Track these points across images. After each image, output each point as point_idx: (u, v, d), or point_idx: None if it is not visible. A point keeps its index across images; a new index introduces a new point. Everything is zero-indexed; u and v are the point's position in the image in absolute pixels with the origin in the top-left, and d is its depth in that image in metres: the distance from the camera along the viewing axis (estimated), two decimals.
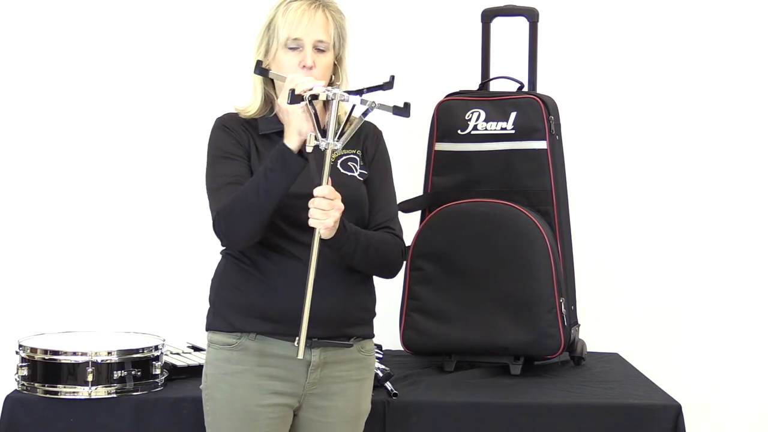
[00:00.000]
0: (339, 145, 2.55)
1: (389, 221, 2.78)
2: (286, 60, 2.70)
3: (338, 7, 2.77)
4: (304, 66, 2.69)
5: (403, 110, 2.59)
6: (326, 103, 2.61)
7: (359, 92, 2.59)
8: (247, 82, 2.82)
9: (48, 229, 4.20)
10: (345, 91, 2.58)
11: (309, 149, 2.53)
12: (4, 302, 4.17)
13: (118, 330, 3.41)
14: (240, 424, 2.71)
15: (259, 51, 2.75)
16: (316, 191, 2.54)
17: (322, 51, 2.71)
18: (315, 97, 2.56)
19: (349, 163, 2.76)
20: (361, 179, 2.77)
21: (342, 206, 2.57)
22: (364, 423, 2.84)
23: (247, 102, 2.79)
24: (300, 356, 2.55)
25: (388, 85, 2.62)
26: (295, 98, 2.55)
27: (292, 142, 2.58)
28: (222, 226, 2.64)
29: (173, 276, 4.10)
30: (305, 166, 2.58)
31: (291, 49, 2.70)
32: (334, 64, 2.76)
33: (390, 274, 2.79)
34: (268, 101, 2.79)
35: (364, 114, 2.60)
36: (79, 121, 4.20)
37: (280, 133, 2.69)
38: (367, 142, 2.81)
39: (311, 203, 2.54)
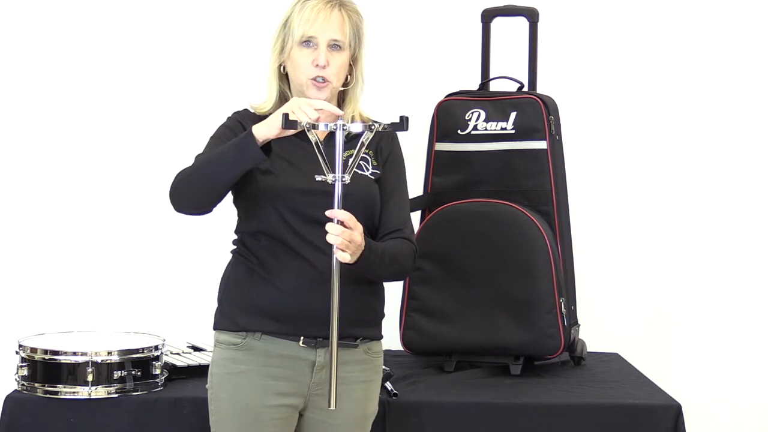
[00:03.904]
0: (347, 178, 2.51)
1: (403, 225, 2.76)
2: (300, 58, 2.69)
3: (356, 7, 2.75)
4: (317, 65, 2.68)
5: (400, 125, 2.55)
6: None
7: (369, 126, 2.55)
8: (261, 80, 2.81)
9: (48, 229, 4.20)
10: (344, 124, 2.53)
11: (318, 179, 2.51)
12: (4, 302, 4.17)
13: (118, 330, 3.41)
14: (244, 424, 2.70)
15: (275, 48, 2.75)
16: (337, 214, 2.49)
17: (337, 50, 2.70)
18: (314, 126, 2.53)
19: (360, 162, 2.73)
20: (373, 178, 2.76)
21: (361, 241, 2.54)
22: (370, 425, 2.83)
23: (262, 99, 2.80)
24: (332, 407, 2.53)
25: (399, 126, 2.56)
26: (289, 123, 2.51)
27: (263, 129, 2.53)
28: (172, 184, 2.66)
29: (173, 276, 4.11)
30: (263, 161, 2.55)
31: (306, 47, 2.70)
32: (350, 64, 2.75)
33: (401, 279, 2.79)
34: (283, 99, 2.78)
35: (367, 138, 2.56)
36: (79, 120, 4.21)
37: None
38: (382, 142, 2.78)
39: (328, 227, 2.49)
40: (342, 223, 2.50)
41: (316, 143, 2.52)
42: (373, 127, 2.54)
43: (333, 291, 2.52)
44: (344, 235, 2.49)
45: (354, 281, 2.63)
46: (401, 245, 2.72)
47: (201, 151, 2.75)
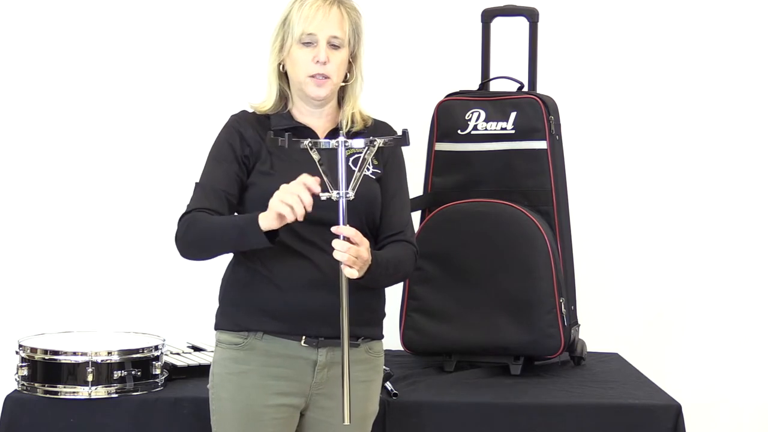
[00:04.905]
0: (351, 195, 2.52)
1: (404, 227, 2.78)
2: (300, 56, 2.70)
3: (354, 5, 2.76)
4: (317, 61, 2.68)
5: (403, 140, 2.58)
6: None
7: (371, 142, 2.56)
8: (261, 78, 2.82)
9: (48, 229, 4.20)
10: (346, 140, 2.54)
11: (323, 197, 2.52)
12: (4, 302, 4.17)
13: (118, 330, 3.41)
14: (245, 424, 2.70)
15: (274, 46, 2.75)
16: (343, 231, 2.51)
17: (337, 47, 2.70)
18: (316, 143, 2.54)
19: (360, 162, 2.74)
20: (374, 177, 2.76)
21: (367, 256, 2.56)
22: (371, 424, 2.83)
23: (262, 98, 2.80)
24: (347, 422, 2.54)
25: (402, 141, 2.59)
26: (292, 144, 2.53)
27: (266, 219, 2.54)
28: (178, 231, 2.70)
29: (173, 276, 4.10)
30: (267, 247, 2.57)
31: (305, 44, 2.69)
32: (349, 62, 2.76)
33: (402, 281, 2.81)
34: (283, 97, 2.79)
35: (369, 154, 2.58)
36: (79, 120, 4.21)
37: (291, 130, 2.69)
38: None
39: (335, 243, 2.51)
40: (348, 239, 2.51)
41: (320, 161, 2.53)
42: (375, 143, 2.56)
43: (342, 308, 2.53)
44: (351, 251, 2.51)
45: (354, 282, 2.63)
46: (403, 251, 2.74)
47: (203, 165, 2.75)
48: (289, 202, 2.48)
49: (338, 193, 2.51)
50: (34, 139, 4.20)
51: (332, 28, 2.69)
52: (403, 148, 2.81)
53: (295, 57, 2.71)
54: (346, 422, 2.54)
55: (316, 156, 2.53)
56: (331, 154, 2.55)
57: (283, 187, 2.52)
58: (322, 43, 2.69)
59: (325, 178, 2.52)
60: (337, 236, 2.52)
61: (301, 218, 2.49)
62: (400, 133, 2.60)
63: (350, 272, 2.52)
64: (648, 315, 4.30)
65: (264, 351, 2.70)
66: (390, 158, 2.80)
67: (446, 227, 3.51)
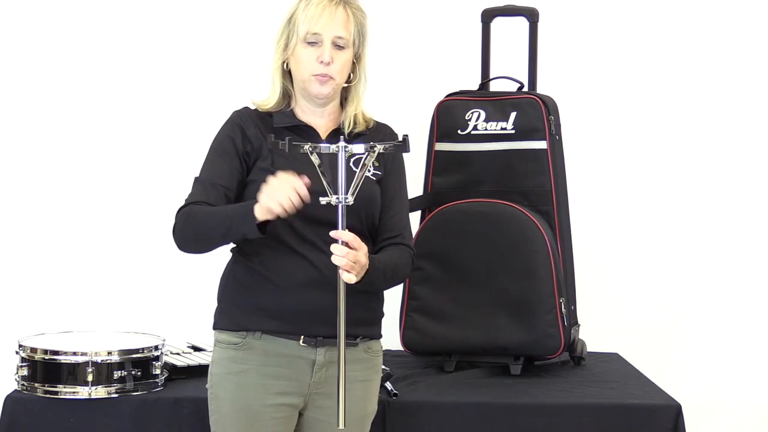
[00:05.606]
0: (351, 200, 2.52)
1: (403, 230, 2.78)
2: (304, 55, 2.70)
3: (360, 5, 2.76)
4: (321, 61, 2.69)
5: (403, 146, 2.58)
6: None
7: (371, 147, 2.55)
8: (264, 76, 2.82)
9: (48, 229, 4.20)
10: (346, 144, 2.53)
11: (323, 201, 2.52)
12: (4, 302, 4.17)
13: (118, 330, 3.41)
14: (244, 423, 2.71)
15: (279, 45, 2.75)
16: (341, 236, 2.50)
17: (341, 48, 2.71)
18: (316, 148, 2.54)
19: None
20: (374, 179, 2.77)
21: (365, 261, 2.56)
22: (370, 424, 2.84)
23: (265, 96, 2.80)
24: (341, 426, 2.53)
25: (402, 147, 2.59)
26: (292, 147, 2.53)
27: (261, 210, 2.53)
28: (176, 223, 2.69)
29: (173, 276, 4.10)
30: (259, 238, 2.58)
31: (310, 44, 2.70)
32: (353, 62, 2.76)
33: (399, 284, 2.82)
34: (286, 95, 2.79)
35: (369, 160, 2.58)
36: (79, 119, 4.21)
37: (293, 128, 2.70)
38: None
39: (333, 248, 2.51)
40: (347, 244, 2.51)
41: (320, 165, 2.53)
42: (375, 148, 2.55)
43: (339, 313, 2.53)
44: (349, 257, 2.51)
45: (353, 285, 2.63)
46: (400, 254, 2.75)
47: (203, 161, 2.76)
48: (278, 199, 2.48)
49: (338, 198, 2.51)
50: (35, 139, 4.20)
51: (337, 28, 2.70)
52: None
53: (300, 56, 2.71)
54: (341, 426, 2.54)
55: (316, 160, 2.53)
56: (331, 158, 2.55)
57: (272, 181, 2.52)
58: (327, 44, 2.69)
59: (324, 182, 2.52)
60: (335, 240, 2.53)
61: (290, 212, 2.50)
62: (400, 138, 2.60)
63: (348, 277, 2.52)
64: (648, 315, 4.29)
65: (262, 350, 2.70)
66: (390, 160, 2.80)
67: (446, 227, 3.51)
